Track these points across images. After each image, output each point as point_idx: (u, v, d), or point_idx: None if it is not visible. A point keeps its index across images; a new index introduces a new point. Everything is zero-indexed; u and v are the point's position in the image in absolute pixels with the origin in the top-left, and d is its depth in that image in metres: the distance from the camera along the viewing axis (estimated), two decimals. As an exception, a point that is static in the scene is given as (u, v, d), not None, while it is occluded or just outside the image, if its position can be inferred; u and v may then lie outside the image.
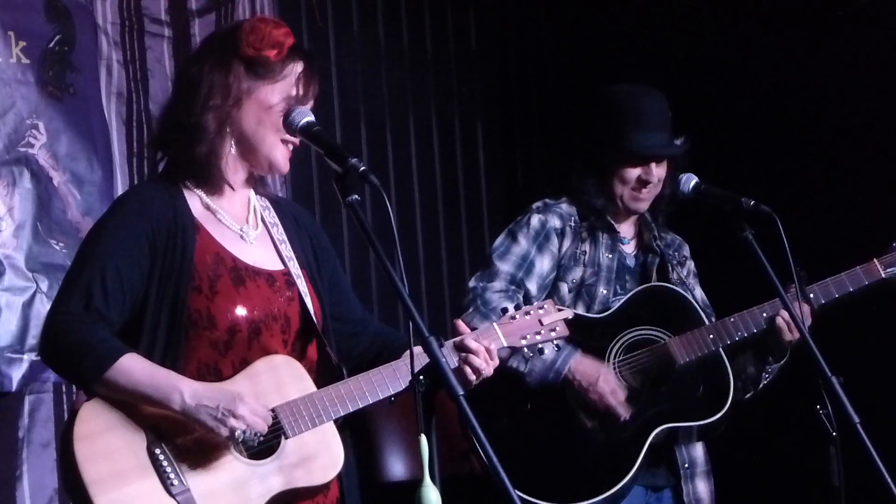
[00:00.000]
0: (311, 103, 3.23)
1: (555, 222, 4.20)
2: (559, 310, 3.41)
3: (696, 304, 4.22)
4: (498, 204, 6.63)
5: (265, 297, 3.19)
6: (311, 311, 3.25)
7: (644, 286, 4.24)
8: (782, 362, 4.21)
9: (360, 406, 3.19)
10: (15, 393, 4.94)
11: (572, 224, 4.21)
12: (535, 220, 4.21)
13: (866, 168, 5.53)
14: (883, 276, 4.24)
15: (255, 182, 3.33)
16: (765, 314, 4.13)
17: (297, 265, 3.29)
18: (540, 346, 3.37)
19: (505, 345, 3.31)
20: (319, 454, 3.17)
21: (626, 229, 4.30)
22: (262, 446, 3.10)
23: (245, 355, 3.15)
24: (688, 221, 4.56)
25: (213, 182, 3.21)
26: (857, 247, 4.63)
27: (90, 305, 3.05)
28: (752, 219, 3.80)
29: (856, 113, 5.56)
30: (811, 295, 4.10)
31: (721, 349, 4.15)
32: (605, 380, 4.08)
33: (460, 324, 3.30)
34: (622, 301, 4.19)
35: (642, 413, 4.10)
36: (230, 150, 3.20)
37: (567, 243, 4.19)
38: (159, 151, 3.28)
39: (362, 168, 2.97)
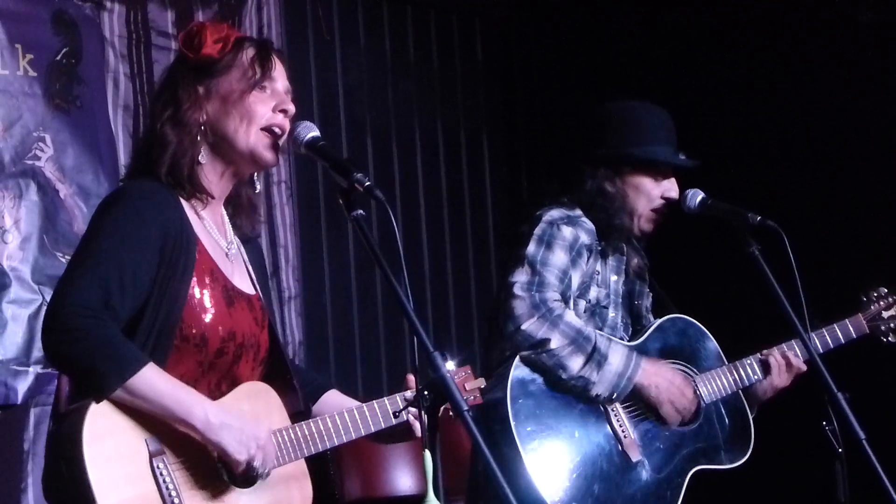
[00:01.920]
0: (282, 82, 3.18)
1: (584, 238, 4.03)
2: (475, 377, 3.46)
3: (714, 341, 4.21)
4: (503, 217, 6.64)
5: (248, 321, 3.15)
6: (279, 340, 3.23)
7: (669, 317, 4.19)
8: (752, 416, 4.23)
9: (336, 444, 3.18)
10: (20, 405, 4.94)
11: (595, 241, 4.07)
12: (568, 232, 4.01)
13: (874, 182, 5.53)
14: (868, 331, 4.32)
15: (243, 203, 3.26)
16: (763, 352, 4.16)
17: (258, 288, 3.25)
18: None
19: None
20: (296, 489, 3.16)
21: (625, 252, 4.24)
22: (247, 476, 3.06)
23: (220, 378, 3.11)
24: (693, 236, 4.56)
25: (196, 194, 3.13)
26: (864, 261, 4.64)
27: (108, 303, 2.94)
28: (758, 234, 3.80)
29: (863, 127, 5.56)
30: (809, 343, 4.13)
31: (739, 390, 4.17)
32: (677, 381, 4.04)
33: (411, 378, 3.23)
34: (651, 330, 4.14)
35: (678, 452, 4.06)
36: (206, 157, 3.12)
37: (591, 261, 4.05)
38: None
39: (367, 183, 2.95)
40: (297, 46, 5.92)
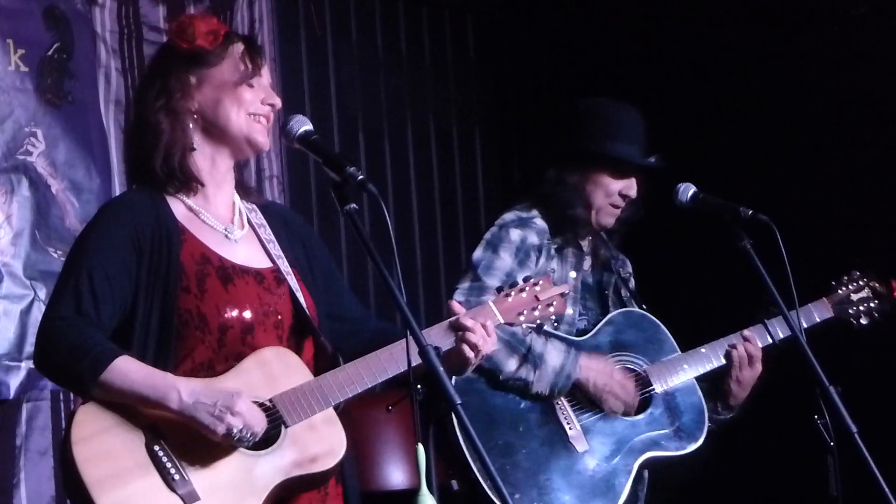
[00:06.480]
0: (267, 77, 3.25)
1: (533, 239, 4.12)
2: (555, 285, 3.38)
3: (668, 332, 4.21)
4: (495, 212, 6.62)
5: (254, 294, 3.19)
6: (304, 306, 3.25)
7: (621, 311, 4.21)
8: (729, 417, 4.21)
9: (359, 391, 3.17)
10: (13, 400, 4.94)
11: (546, 241, 4.14)
12: (515, 234, 4.12)
13: (866, 176, 5.54)
14: (832, 314, 4.29)
15: (242, 186, 3.33)
16: (728, 344, 4.14)
17: (286, 263, 3.28)
18: (539, 322, 3.33)
19: (502, 321, 3.28)
20: (321, 441, 3.15)
21: (585, 246, 4.25)
22: (263, 437, 3.07)
23: (239, 352, 3.14)
24: (684, 231, 4.56)
25: (188, 183, 3.20)
26: (856, 255, 4.62)
27: (80, 309, 3.04)
28: (750, 228, 3.80)
29: (855, 121, 5.57)
30: (770, 329, 4.11)
31: (694, 379, 4.16)
32: (616, 375, 4.06)
33: (455, 304, 3.27)
34: (601, 324, 4.17)
35: (626, 440, 4.08)
36: (197, 144, 3.20)
37: (542, 261, 4.12)
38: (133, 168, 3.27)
39: (360, 176, 2.98)
40: (288, 42, 5.92)
